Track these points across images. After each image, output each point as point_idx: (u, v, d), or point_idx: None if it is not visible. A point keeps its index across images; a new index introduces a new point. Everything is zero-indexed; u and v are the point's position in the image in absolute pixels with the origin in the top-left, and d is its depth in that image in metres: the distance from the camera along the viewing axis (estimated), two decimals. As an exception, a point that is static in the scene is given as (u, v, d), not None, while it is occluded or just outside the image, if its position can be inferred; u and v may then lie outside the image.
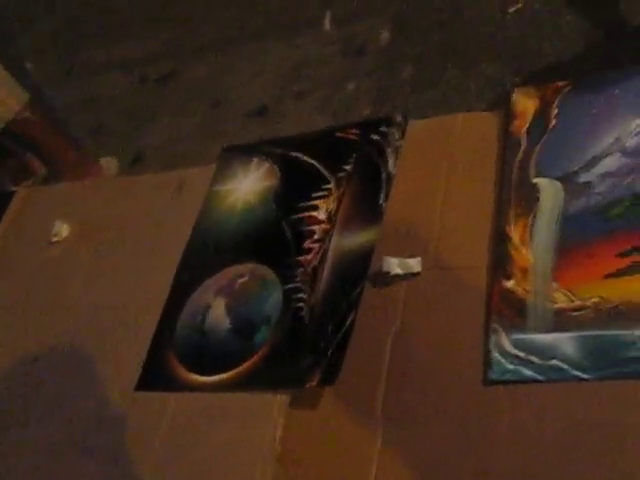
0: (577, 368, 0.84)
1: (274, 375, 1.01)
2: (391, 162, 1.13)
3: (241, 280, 1.13)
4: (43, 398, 1.17)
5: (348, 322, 0.99)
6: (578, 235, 0.94)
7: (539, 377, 0.86)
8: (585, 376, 0.84)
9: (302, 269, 1.08)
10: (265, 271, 1.11)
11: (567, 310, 0.89)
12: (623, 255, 0.89)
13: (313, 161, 1.19)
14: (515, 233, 0.97)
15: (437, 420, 0.90)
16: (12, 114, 2.24)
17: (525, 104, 1.08)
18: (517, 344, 0.89)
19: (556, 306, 0.90)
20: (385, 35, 2.47)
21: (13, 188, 1.88)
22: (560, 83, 1.08)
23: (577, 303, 0.89)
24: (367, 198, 1.11)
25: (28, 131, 2.31)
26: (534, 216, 0.98)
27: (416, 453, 0.89)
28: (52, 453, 1.10)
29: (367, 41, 2.49)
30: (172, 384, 1.07)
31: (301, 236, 1.12)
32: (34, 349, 1.22)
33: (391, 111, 2.14)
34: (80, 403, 1.13)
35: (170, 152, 2.56)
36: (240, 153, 1.29)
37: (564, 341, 0.87)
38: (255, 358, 1.03)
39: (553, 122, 1.05)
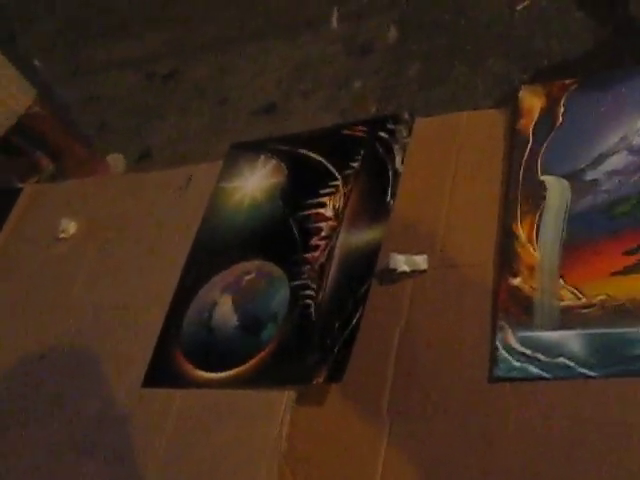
0: (583, 366, 0.84)
1: (281, 372, 1.01)
2: (398, 159, 1.13)
3: (248, 277, 1.13)
4: (46, 397, 1.17)
5: (355, 319, 0.99)
6: (585, 233, 0.94)
7: (545, 375, 0.86)
8: (591, 374, 0.84)
9: (309, 266, 1.08)
10: (272, 268, 1.11)
11: (574, 308, 0.89)
12: (630, 253, 0.89)
13: (320, 158, 1.19)
14: (522, 230, 0.97)
15: (443, 417, 0.90)
16: (23, 109, 2.24)
17: (532, 102, 1.08)
18: (523, 341, 0.89)
19: (563, 304, 0.90)
20: (392, 33, 2.47)
21: (20, 185, 1.89)
22: (567, 81, 1.08)
23: (584, 301, 0.89)
24: (374, 195, 1.11)
25: (38, 126, 2.32)
26: (541, 214, 0.98)
27: (422, 450, 0.89)
28: (52, 453, 1.10)
29: (374, 39, 2.50)
30: (179, 381, 1.07)
31: (308, 233, 1.12)
32: (38, 347, 1.22)
33: (398, 109, 2.14)
34: (83, 401, 1.13)
35: (176, 150, 2.56)
36: (247, 150, 1.29)
37: (571, 339, 0.87)
38: (262, 355, 1.03)
39: (560, 120, 1.05)
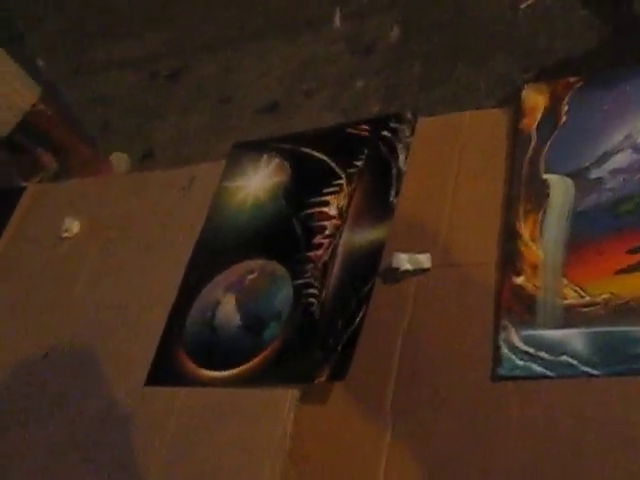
0: (587, 364, 0.84)
1: (284, 371, 1.01)
2: (402, 158, 1.13)
3: (251, 276, 1.13)
4: (48, 397, 1.17)
5: (358, 318, 0.99)
6: (588, 231, 0.94)
7: (549, 373, 0.86)
8: (595, 372, 0.84)
9: (312, 265, 1.08)
10: (275, 267, 1.11)
11: (577, 306, 0.89)
12: (633, 251, 0.89)
13: (324, 157, 1.19)
14: (525, 229, 0.97)
15: (446, 416, 0.90)
16: (28, 106, 2.24)
17: (535, 100, 1.08)
18: (527, 340, 0.89)
19: (566, 302, 0.89)
20: (394, 33, 2.47)
21: (24, 184, 1.89)
22: (571, 79, 1.08)
23: (587, 299, 0.89)
24: (378, 194, 1.11)
25: (42, 124, 2.32)
26: (544, 212, 0.98)
27: (425, 448, 0.89)
28: (54, 452, 1.10)
29: (377, 39, 2.50)
30: (181, 379, 1.07)
31: (311, 232, 1.12)
32: (40, 346, 1.22)
33: (400, 108, 2.14)
34: (86, 401, 1.13)
35: (180, 149, 2.57)
36: (250, 149, 1.29)
37: (574, 337, 0.87)
38: (265, 354, 1.03)
39: (564, 118, 1.05)
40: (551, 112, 1.06)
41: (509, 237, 0.98)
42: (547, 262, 0.94)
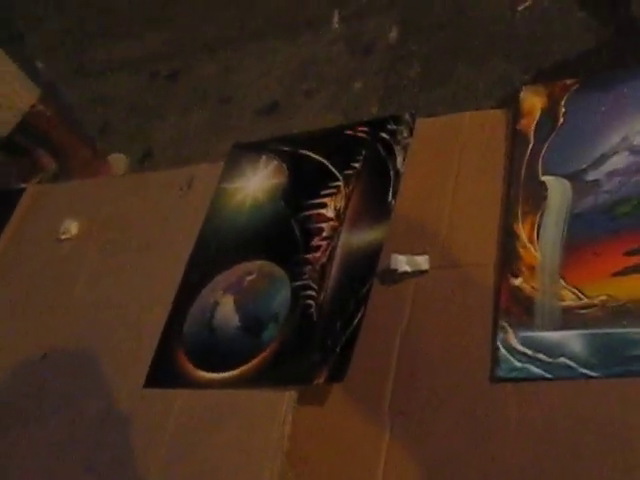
0: (585, 366, 0.85)
1: (282, 372, 1.01)
2: (400, 160, 1.13)
3: (250, 277, 1.13)
4: (47, 397, 1.17)
5: (356, 319, 1.00)
6: (586, 233, 0.94)
7: (547, 375, 0.86)
8: (593, 374, 0.84)
9: (310, 266, 1.08)
10: (273, 268, 1.11)
11: (575, 308, 0.89)
12: (630, 253, 0.90)
13: (322, 159, 1.19)
14: (523, 231, 0.97)
15: (444, 417, 0.90)
16: (28, 107, 2.24)
17: (533, 102, 1.08)
18: (525, 342, 0.89)
19: (564, 304, 0.90)
20: (393, 33, 2.47)
21: (23, 185, 1.89)
22: (568, 81, 1.08)
23: (585, 301, 0.89)
24: (376, 196, 1.11)
25: (41, 125, 2.32)
26: (542, 214, 0.98)
27: (423, 450, 0.89)
28: (54, 453, 1.10)
29: (375, 39, 2.50)
30: (180, 381, 1.08)
31: (309, 234, 1.12)
32: (40, 347, 1.22)
33: (399, 109, 2.15)
34: (85, 401, 1.13)
35: (179, 150, 2.56)
36: (249, 151, 1.29)
37: (572, 339, 0.87)
38: (263, 355, 1.03)
39: (561, 120, 1.05)
40: (549, 114, 1.06)
41: (507, 238, 0.98)
42: (545, 264, 0.94)
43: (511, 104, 1.10)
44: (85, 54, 3.08)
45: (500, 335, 0.91)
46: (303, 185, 1.19)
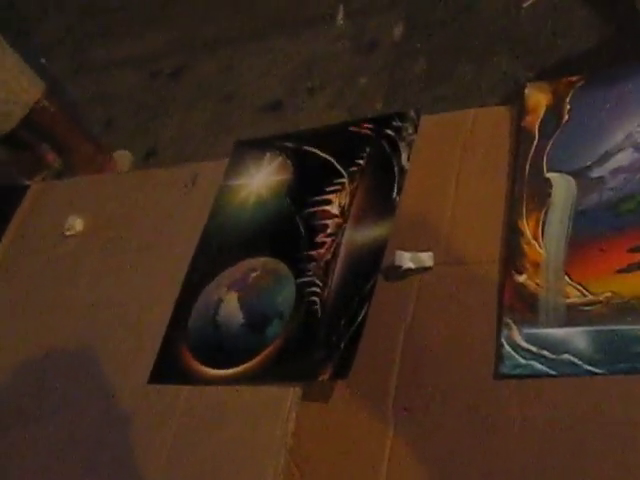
0: (589, 363, 0.85)
1: (286, 369, 1.02)
2: (404, 157, 1.13)
3: (254, 274, 1.13)
4: (50, 396, 1.17)
5: (361, 316, 1.00)
6: (590, 230, 0.94)
7: (551, 372, 0.86)
8: (597, 371, 0.84)
9: (315, 263, 1.08)
10: (278, 265, 1.11)
11: (579, 305, 0.89)
12: (635, 250, 0.89)
13: (326, 155, 1.19)
14: (527, 227, 0.97)
15: (448, 414, 0.90)
16: (33, 101, 2.25)
17: (538, 99, 1.08)
18: (529, 338, 0.89)
19: (568, 301, 0.90)
20: (397, 30, 2.46)
21: (27, 182, 1.89)
22: (573, 78, 1.08)
23: (589, 298, 0.89)
24: (380, 192, 1.11)
25: (46, 121, 2.32)
26: (546, 211, 0.98)
27: (427, 447, 0.89)
28: (55, 452, 1.10)
29: (380, 36, 2.49)
30: (185, 377, 1.08)
31: (314, 230, 1.12)
32: (42, 345, 1.22)
33: (404, 106, 2.14)
34: (88, 400, 1.13)
35: (182, 147, 2.56)
36: (253, 147, 1.29)
37: (576, 336, 0.87)
38: (268, 352, 1.03)
39: (566, 117, 1.05)
40: (553, 110, 1.06)
41: (511, 235, 0.98)
42: (549, 260, 0.94)
43: (516, 101, 1.10)
44: (85, 53, 3.08)
45: (504, 332, 0.91)
46: (308, 182, 1.19)
